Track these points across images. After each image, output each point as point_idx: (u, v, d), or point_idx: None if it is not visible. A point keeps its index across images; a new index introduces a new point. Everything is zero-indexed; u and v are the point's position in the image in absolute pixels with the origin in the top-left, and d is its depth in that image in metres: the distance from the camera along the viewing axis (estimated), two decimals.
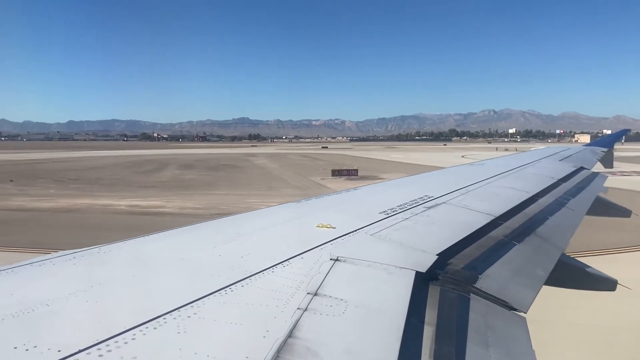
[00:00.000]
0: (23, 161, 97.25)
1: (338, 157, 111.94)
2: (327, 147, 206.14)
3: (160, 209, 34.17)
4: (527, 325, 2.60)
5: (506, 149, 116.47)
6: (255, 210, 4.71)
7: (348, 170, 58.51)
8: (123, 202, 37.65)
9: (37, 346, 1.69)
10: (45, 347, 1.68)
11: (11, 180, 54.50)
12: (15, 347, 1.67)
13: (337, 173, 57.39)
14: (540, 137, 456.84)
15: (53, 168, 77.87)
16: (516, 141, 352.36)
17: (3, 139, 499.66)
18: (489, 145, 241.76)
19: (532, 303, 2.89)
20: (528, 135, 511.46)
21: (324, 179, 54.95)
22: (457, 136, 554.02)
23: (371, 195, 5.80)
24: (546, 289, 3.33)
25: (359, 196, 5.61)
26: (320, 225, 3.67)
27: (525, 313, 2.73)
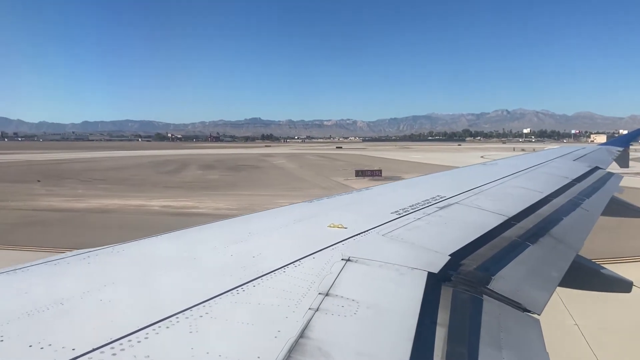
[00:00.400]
0: (44, 161, 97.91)
1: (355, 157, 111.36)
2: (341, 147, 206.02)
3: (194, 210, 33.80)
4: (540, 327, 2.56)
5: (523, 149, 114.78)
6: (267, 210, 4.73)
7: (372, 171, 57.18)
8: (154, 203, 37.37)
9: (51, 344, 1.70)
10: (59, 346, 1.69)
11: (38, 181, 54.61)
12: (30, 346, 1.69)
13: (360, 173, 56.01)
14: (556, 137, 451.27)
15: (76, 168, 78.39)
16: (531, 141, 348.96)
17: (20, 139, 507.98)
18: (504, 145, 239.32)
19: (546, 304, 2.85)
20: (543, 135, 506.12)
21: (347, 179, 53.87)
22: (471, 136, 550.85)
23: (383, 195, 5.77)
24: (560, 290, 3.30)
25: (370, 196, 5.59)
26: (332, 225, 3.66)
27: (539, 315, 2.70)
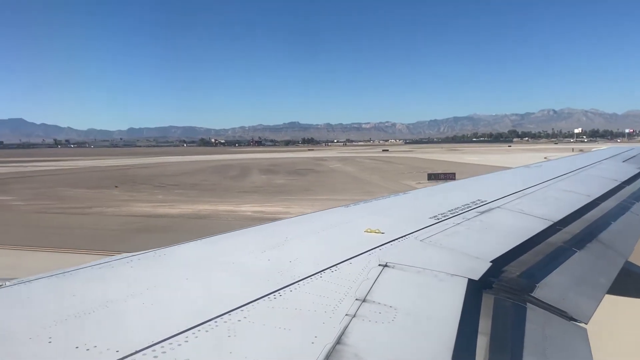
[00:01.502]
0: (109, 168, 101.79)
1: (409, 159, 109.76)
2: (387, 150, 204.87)
3: (287, 215, 32.53)
4: (587, 336, 2.47)
5: (581, 150, 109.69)
6: (305, 214, 4.75)
7: (445, 174, 55.89)
8: (244, 208, 37.37)
9: (97, 346, 1.78)
10: (104, 347, 1.76)
11: (116, 187, 56.50)
12: (77, 347, 1.77)
13: (433, 177, 55.04)
14: (608, 137, 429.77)
15: (143, 174, 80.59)
16: (583, 141, 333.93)
17: (72, 146, 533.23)
18: (558, 146, 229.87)
19: (593, 313, 2.75)
20: (595, 135, 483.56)
21: (419, 182, 51.78)
22: (518, 137, 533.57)
23: (421, 199, 5.73)
24: (608, 298, 3.15)
25: (408, 201, 5.54)
26: (369, 230, 3.65)
27: (586, 324, 2.60)
